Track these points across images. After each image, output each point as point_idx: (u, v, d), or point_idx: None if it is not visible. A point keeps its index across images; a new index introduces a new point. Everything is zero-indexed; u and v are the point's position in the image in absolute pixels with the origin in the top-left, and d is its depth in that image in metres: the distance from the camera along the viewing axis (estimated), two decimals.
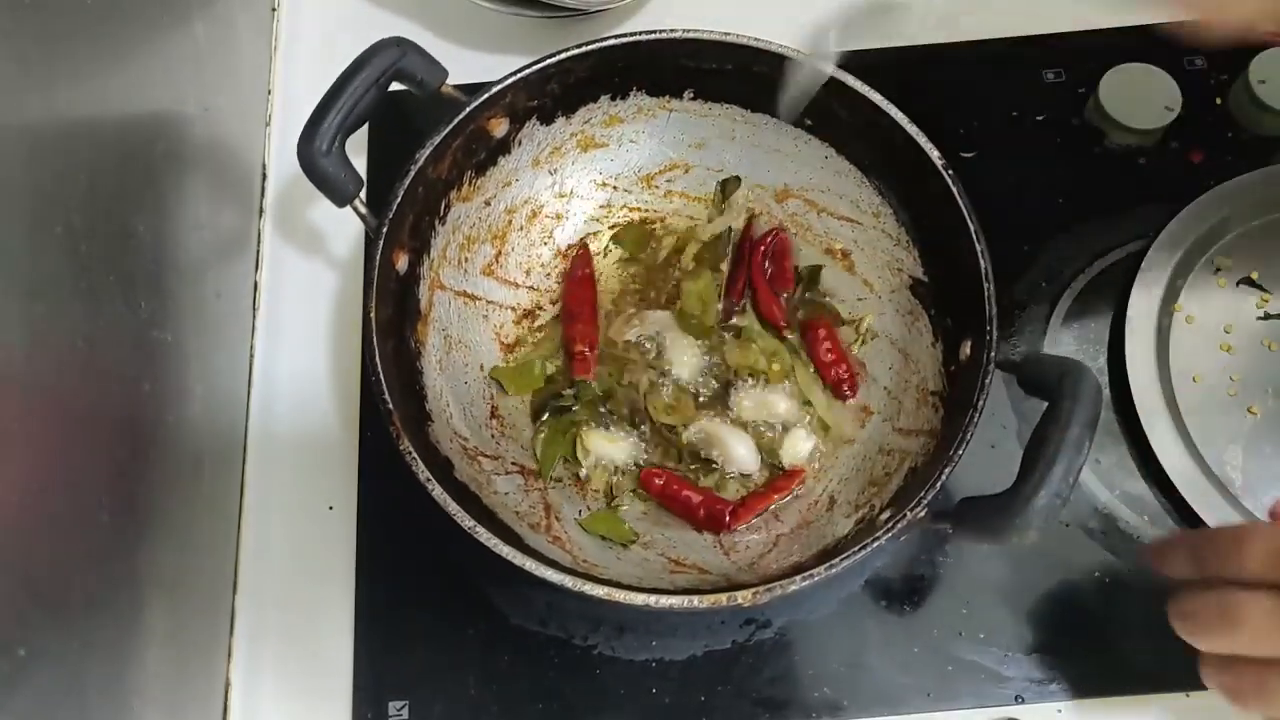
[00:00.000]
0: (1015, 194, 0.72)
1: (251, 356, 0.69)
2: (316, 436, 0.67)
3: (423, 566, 0.63)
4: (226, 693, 0.61)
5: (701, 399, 0.65)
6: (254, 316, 0.71)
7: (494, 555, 0.51)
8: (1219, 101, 0.75)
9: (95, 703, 0.45)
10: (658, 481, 0.62)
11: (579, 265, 0.69)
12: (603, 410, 0.64)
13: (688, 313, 0.67)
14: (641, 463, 0.63)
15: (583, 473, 0.63)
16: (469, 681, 0.60)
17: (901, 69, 0.76)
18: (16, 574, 0.39)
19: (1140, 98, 0.72)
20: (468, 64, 0.77)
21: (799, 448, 0.63)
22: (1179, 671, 0.59)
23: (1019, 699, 0.59)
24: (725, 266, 0.69)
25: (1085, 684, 0.59)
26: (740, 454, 0.63)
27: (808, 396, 0.64)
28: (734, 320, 0.67)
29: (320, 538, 0.64)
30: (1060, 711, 0.59)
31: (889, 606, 0.62)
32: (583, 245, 0.70)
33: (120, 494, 0.49)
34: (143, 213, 0.54)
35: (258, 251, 0.73)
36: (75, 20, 0.48)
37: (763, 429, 0.64)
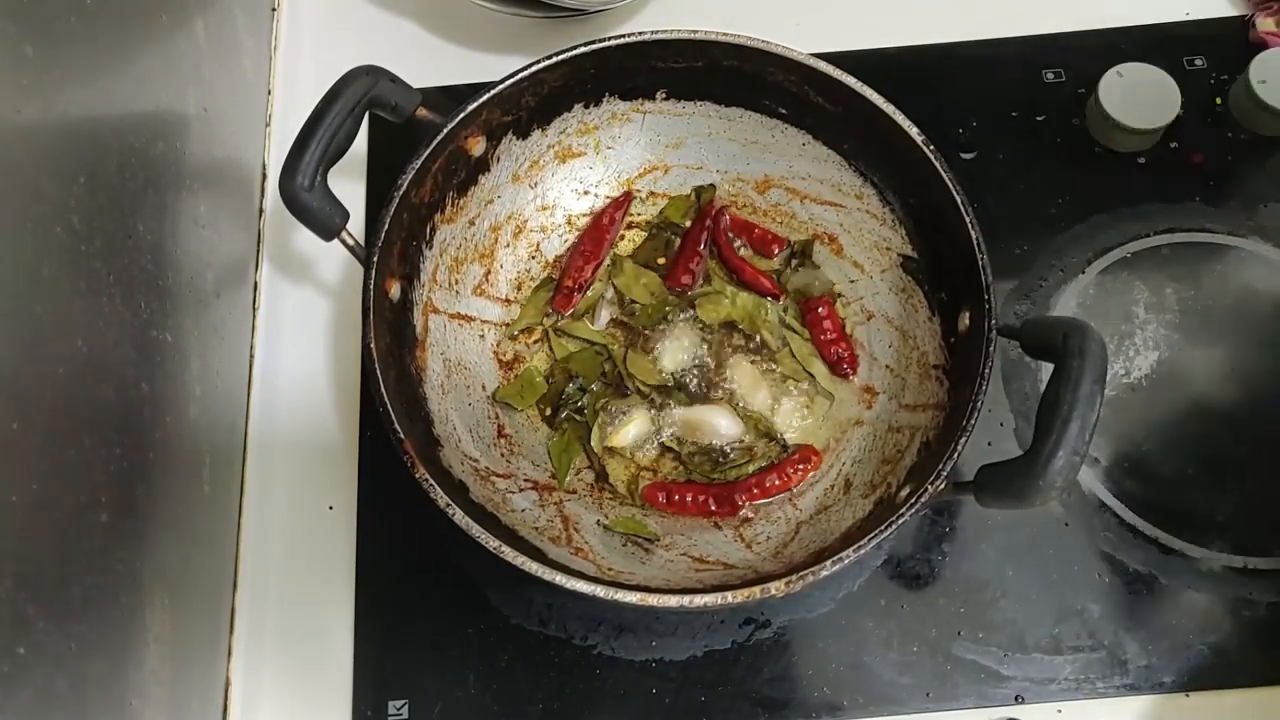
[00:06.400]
0: (1015, 194, 0.72)
1: (251, 357, 0.69)
2: (316, 436, 0.67)
3: (423, 566, 0.63)
4: (226, 692, 0.61)
5: (693, 388, 0.65)
6: (254, 316, 0.71)
7: (494, 557, 0.51)
8: (1219, 101, 0.75)
9: (95, 703, 0.45)
10: (661, 497, 0.62)
11: (611, 210, 0.69)
12: (606, 399, 0.64)
13: (645, 308, 0.67)
14: (659, 435, 0.64)
15: (611, 468, 0.63)
16: (469, 681, 0.60)
17: (901, 69, 0.76)
18: (16, 574, 0.39)
19: (1140, 98, 0.72)
20: (468, 64, 0.78)
21: (792, 419, 0.64)
22: (1179, 671, 0.59)
23: (1019, 699, 0.59)
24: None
25: (1085, 684, 0.59)
26: (722, 424, 0.63)
27: (808, 368, 0.65)
28: (699, 288, 0.68)
29: (320, 538, 0.64)
30: (1060, 711, 0.59)
31: (888, 606, 0.62)
32: (626, 194, 0.70)
33: (120, 494, 0.49)
34: (143, 213, 0.54)
35: (258, 251, 0.73)
36: (75, 20, 0.48)
37: (755, 403, 0.65)
